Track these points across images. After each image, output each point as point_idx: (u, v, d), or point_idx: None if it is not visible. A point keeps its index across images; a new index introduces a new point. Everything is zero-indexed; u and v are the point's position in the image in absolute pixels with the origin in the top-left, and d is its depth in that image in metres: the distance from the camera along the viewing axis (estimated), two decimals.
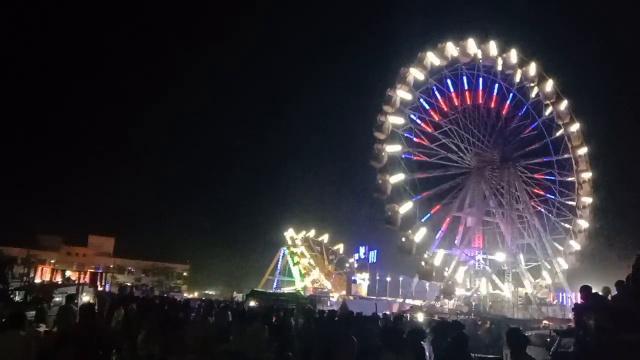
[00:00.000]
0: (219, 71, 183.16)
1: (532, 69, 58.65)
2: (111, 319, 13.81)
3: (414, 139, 54.64)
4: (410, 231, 51.94)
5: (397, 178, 51.78)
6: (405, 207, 51.78)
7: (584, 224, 58.39)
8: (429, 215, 55.72)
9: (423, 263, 53.12)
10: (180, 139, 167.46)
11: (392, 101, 52.65)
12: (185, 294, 75.68)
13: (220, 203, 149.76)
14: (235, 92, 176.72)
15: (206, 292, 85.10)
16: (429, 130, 55.73)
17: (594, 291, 9.54)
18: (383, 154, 51.55)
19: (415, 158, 54.23)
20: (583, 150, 59.11)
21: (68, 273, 48.04)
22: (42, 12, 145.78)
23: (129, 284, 69.80)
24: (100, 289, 38.12)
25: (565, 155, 59.43)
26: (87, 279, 40.54)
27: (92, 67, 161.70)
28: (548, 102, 59.50)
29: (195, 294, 78.36)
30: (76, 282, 38.69)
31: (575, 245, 58.27)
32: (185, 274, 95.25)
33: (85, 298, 24.34)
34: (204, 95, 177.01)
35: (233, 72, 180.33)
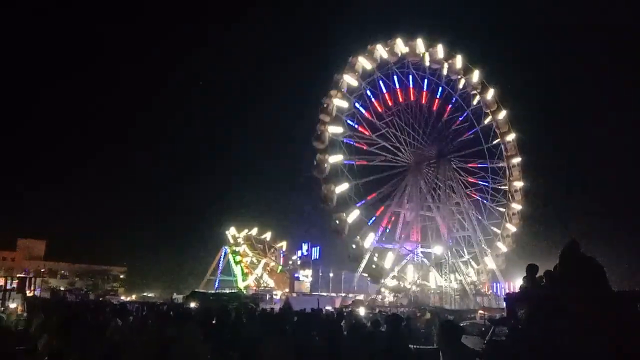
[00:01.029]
0: (155, 70, 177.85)
1: (458, 61, 60.89)
2: (43, 325, 13.06)
3: (354, 145, 55.50)
4: (358, 237, 52.86)
5: (336, 159, 52.51)
6: (352, 216, 52.72)
7: (517, 206, 61.37)
8: (364, 201, 56.86)
9: (354, 245, 53.98)
10: (115, 137, 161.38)
11: (339, 85, 53.42)
12: (123, 297, 73.26)
13: (160, 202, 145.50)
14: (171, 87, 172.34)
15: (145, 294, 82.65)
16: (367, 134, 56.74)
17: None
18: (325, 134, 52.07)
19: (357, 163, 54.99)
20: (511, 136, 62.03)
21: None
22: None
23: (62, 289, 67.05)
24: (30, 294, 36.22)
25: (500, 164, 62.25)
26: (15, 285, 38.36)
27: (25, 72, 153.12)
28: (475, 92, 61.99)
29: (133, 297, 75.97)
30: (2, 288, 36.52)
31: (511, 227, 61.69)
32: (122, 276, 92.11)
33: (13, 305, 23.06)
34: (139, 92, 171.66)
35: (164, 69, 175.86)
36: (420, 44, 58.55)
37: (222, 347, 8.42)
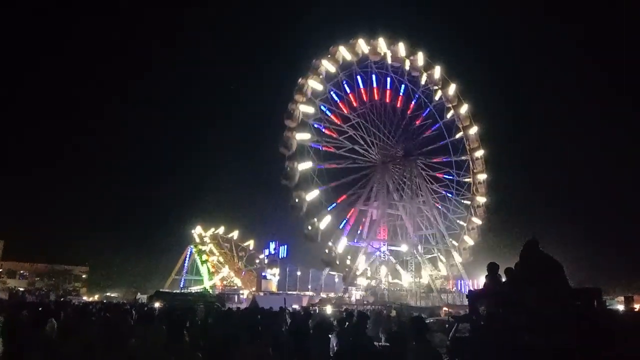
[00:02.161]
0: (123, 66, 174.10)
1: (437, 72, 61.91)
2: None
3: (323, 130, 55.91)
4: (315, 219, 52.87)
5: (305, 166, 52.64)
6: (312, 195, 52.71)
7: (477, 221, 62.44)
8: (335, 204, 57.07)
9: (327, 250, 54.23)
10: (78, 131, 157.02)
11: (304, 90, 53.54)
12: (85, 297, 71.62)
13: (124, 201, 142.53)
14: (139, 85, 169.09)
15: (107, 294, 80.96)
16: (338, 122, 57.21)
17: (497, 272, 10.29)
18: (292, 141, 52.19)
19: (324, 148, 55.30)
20: (473, 130, 63.22)
21: None
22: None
23: (21, 289, 65.14)
24: None
25: (463, 157, 63.22)
26: None
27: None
28: (436, 87, 62.97)
29: (96, 297, 74.33)
30: None
31: (469, 240, 62.34)
32: (84, 276, 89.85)
33: None
34: (108, 87, 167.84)
35: (130, 67, 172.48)
36: (381, 43, 59.15)
37: (186, 348, 8.33)
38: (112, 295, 78.87)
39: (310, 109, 54.18)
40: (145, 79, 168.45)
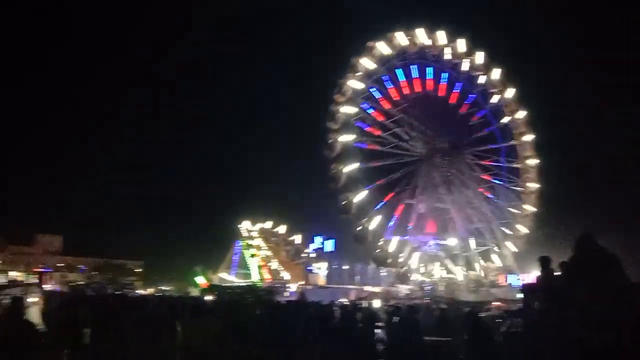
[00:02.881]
0: (166, 62, 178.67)
1: (480, 57, 60.24)
2: (62, 320, 13.25)
3: (366, 128, 55.34)
4: (365, 219, 52.60)
5: (350, 168, 52.26)
6: (360, 196, 52.36)
7: (530, 208, 60.59)
8: (383, 203, 56.58)
9: (378, 250, 54.01)
10: (131, 133, 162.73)
11: (344, 91, 53.15)
12: (140, 291, 74.04)
13: (175, 197, 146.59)
14: (184, 84, 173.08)
15: (161, 287, 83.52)
16: (381, 119, 56.59)
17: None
18: (336, 143, 51.96)
19: (368, 147, 54.89)
20: (529, 137, 61.20)
21: (13, 274, 46.14)
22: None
23: (80, 283, 67.92)
24: (49, 288, 36.81)
25: (512, 142, 61.40)
26: (34, 279, 39.03)
27: (39, 71, 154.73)
28: (495, 89, 61.27)
29: (150, 290, 76.78)
30: (22, 283, 37.18)
31: (522, 229, 60.47)
32: (139, 270, 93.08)
33: (32, 300, 23.39)
34: (154, 88, 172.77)
35: (181, 63, 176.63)
36: (442, 36, 58.10)
37: (238, 340, 8.54)
38: (166, 288, 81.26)
39: (351, 109, 53.83)
40: (192, 76, 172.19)
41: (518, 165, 61.48)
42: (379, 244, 54.44)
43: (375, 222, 53.62)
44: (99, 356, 8.21)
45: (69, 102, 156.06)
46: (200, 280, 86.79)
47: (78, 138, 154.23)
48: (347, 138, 52.78)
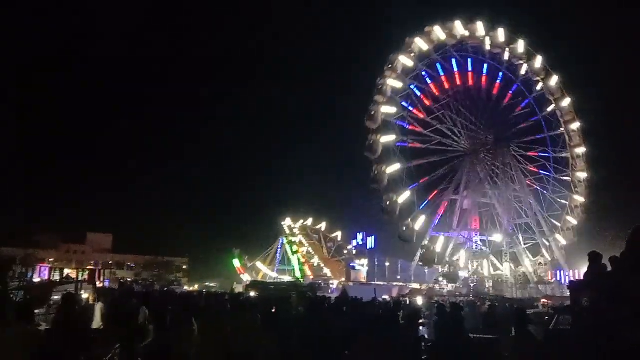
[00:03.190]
0: (206, 62, 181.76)
1: (521, 46, 58.67)
2: (114, 314, 13.71)
3: (407, 127, 54.59)
4: (409, 220, 52.16)
5: (393, 168, 51.64)
6: (403, 197, 51.81)
7: (579, 199, 58.65)
8: (427, 202, 55.94)
9: (423, 250, 53.48)
10: (173, 132, 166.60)
11: (383, 90, 52.59)
12: (186, 287, 75.77)
13: (218, 195, 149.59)
14: (226, 81, 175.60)
15: (206, 284, 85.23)
16: (422, 116, 55.74)
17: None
18: (377, 144, 51.44)
19: (410, 145, 54.15)
20: (576, 125, 59.27)
21: (67, 271, 47.99)
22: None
23: (129, 279, 70.08)
24: (99, 285, 38.07)
25: (558, 131, 59.58)
26: (86, 276, 40.45)
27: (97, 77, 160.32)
28: (538, 78, 59.58)
29: (196, 287, 78.46)
30: (75, 279, 38.60)
31: (572, 220, 58.61)
32: (184, 267, 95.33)
33: (85, 295, 24.30)
34: (195, 88, 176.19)
35: (221, 62, 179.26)
36: (480, 26, 56.88)
37: (282, 336, 8.62)
38: (211, 284, 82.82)
39: (391, 109, 53.30)
40: (231, 71, 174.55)
41: (566, 155, 59.60)
42: (425, 243, 53.90)
43: (420, 222, 53.12)
44: (150, 350, 8.47)
45: (127, 108, 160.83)
46: (236, 263, 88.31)
47: (127, 142, 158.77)
48: (388, 139, 52.17)
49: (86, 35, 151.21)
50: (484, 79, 59.46)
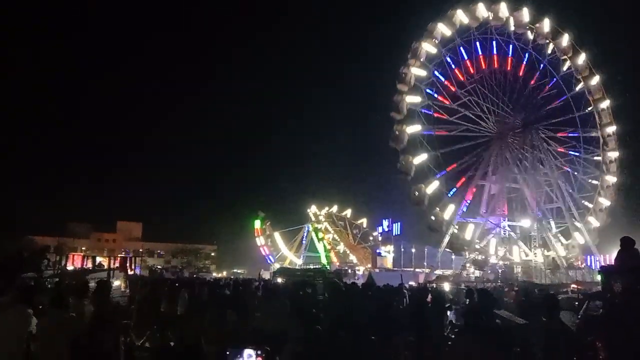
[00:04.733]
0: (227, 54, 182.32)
1: (546, 25, 57.14)
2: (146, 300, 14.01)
3: (433, 115, 53.63)
4: (438, 208, 51.71)
5: (420, 158, 51.00)
6: (432, 187, 51.24)
7: (611, 179, 57.34)
8: (455, 189, 55.31)
9: (451, 237, 53.09)
10: (201, 123, 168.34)
11: (407, 79, 51.80)
12: (214, 274, 76.97)
13: (243, 184, 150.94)
14: (250, 71, 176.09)
15: (234, 270, 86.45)
16: (447, 103, 54.83)
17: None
18: (403, 135, 50.82)
19: (436, 133, 53.37)
20: (605, 104, 57.75)
21: (99, 259, 49.16)
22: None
23: (159, 267, 71.53)
24: (130, 272, 38.92)
25: (587, 110, 58.21)
26: (117, 264, 41.41)
27: (124, 68, 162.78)
28: (565, 56, 58.11)
29: (224, 273, 79.68)
30: (107, 267, 39.61)
31: (605, 201, 57.35)
32: (212, 254, 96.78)
33: (117, 282, 24.93)
34: (219, 77, 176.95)
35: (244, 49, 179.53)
36: (503, 7, 55.53)
37: (309, 319, 8.71)
38: (239, 271, 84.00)
39: (422, 72, 52.23)
40: (252, 67, 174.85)
41: (595, 134, 58.16)
42: (453, 230, 53.46)
43: (449, 211, 52.62)
44: (181, 332, 8.68)
45: (156, 99, 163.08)
46: (257, 224, 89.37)
47: (157, 133, 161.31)
48: (414, 129, 51.40)
49: None
50: (509, 60, 58.18)
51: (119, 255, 58.11)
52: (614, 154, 57.48)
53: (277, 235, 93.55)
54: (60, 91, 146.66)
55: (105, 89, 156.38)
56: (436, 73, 54.37)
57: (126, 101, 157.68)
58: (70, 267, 43.74)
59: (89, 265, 44.23)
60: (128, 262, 43.99)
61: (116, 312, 8.82)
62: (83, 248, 78.80)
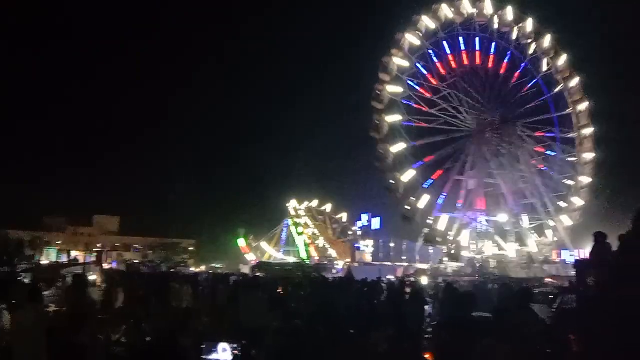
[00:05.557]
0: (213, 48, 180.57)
1: (529, 24, 57.86)
2: (117, 296, 13.88)
3: (413, 106, 54.10)
4: (413, 198, 52.00)
5: (398, 147, 51.40)
6: (408, 175, 51.65)
7: (586, 179, 58.35)
8: (431, 181, 55.72)
9: (427, 229, 53.49)
10: (179, 115, 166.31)
11: (389, 69, 52.05)
12: (193, 268, 76.34)
13: (221, 178, 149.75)
14: (229, 66, 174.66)
15: (213, 265, 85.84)
16: (428, 95, 55.25)
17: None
18: (383, 124, 51.16)
19: (415, 125, 53.76)
20: (584, 105, 58.64)
21: (74, 253, 48.47)
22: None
23: (136, 261, 70.69)
24: (107, 267, 38.48)
25: (566, 111, 59.07)
26: (93, 258, 40.89)
27: (101, 62, 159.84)
28: (546, 57, 58.86)
29: (203, 268, 79.03)
30: (82, 262, 39.01)
31: (578, 201, 58.37)
32: (191, 248, 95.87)
33: (92, 277, 24.53)
34: (203, 72, 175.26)
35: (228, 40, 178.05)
36: (488, 4, 56.10)
37: (288, 314, 8.72)
38: (217, 266, 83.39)
39: (405, 63, 52.81)
40: (237, 59, 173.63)
41: (573, 135, 59.12)
42: (428, 222, 53.83)
43: (424, 201, 52.89)
44: (157, 326, 8.59)
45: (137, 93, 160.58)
46: (242, 242, 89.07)
47: (134, 127, 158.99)
48: (394, 118, 51.79)
49: None
50: (491, 58, 58.76)
51: (95, 250, 57.32)
52: (589, 156, 58.40)
53: (264, 244, 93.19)
54: (34, 84, 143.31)
55: (81, 83, 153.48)
56: (418, 65, 54.71)
57: (103, 95, 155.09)
58: (44, 262, 43.02)
59: (64, 259, 43.55)
60: (104, 256, 43.51)
61: (92, 307, 8.69)
62: (58, 242, 77.35)
